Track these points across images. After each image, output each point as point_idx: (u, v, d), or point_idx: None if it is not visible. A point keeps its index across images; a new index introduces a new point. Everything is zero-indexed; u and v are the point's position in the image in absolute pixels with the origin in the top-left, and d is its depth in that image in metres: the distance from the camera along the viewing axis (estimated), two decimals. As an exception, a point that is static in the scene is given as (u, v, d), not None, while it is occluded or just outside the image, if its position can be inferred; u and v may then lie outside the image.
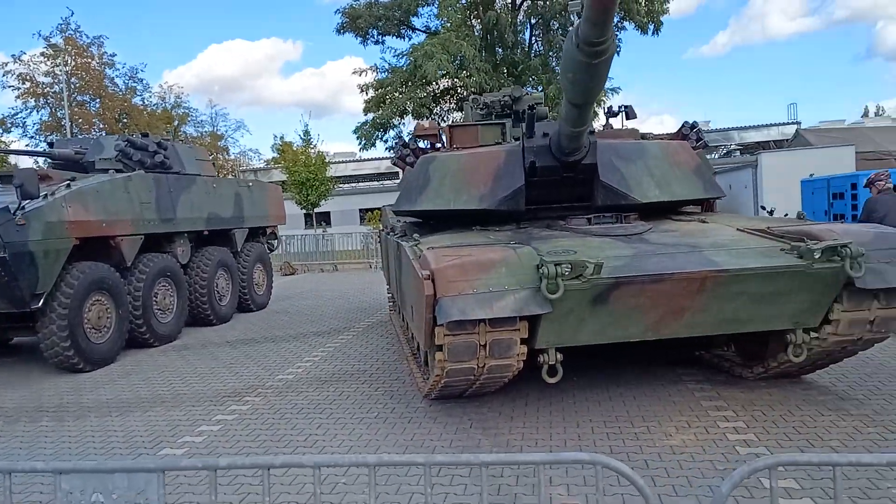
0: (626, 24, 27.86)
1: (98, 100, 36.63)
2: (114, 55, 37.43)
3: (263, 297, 12.56)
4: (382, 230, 10.06)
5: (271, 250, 13.34)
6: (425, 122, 7.63)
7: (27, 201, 6.81)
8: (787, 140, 37.72)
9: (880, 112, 61.43)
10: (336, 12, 31.18)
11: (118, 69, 37.48)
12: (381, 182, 54.33)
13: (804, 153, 20.09)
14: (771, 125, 49.60)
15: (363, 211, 40.98)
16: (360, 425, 5.27)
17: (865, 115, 60.63)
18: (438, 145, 7.52)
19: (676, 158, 6.47)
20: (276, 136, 47.80)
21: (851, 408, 5.09)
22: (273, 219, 13.00)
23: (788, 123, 48.54)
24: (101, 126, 35.47)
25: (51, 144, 10.45)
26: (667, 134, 7.48)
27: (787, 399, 5.35)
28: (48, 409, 6.19)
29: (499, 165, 6.10)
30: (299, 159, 28.26)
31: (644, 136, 7.37)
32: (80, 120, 34.45)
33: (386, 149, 31.62)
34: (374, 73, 29.12)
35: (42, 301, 7.04)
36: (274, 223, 13.15)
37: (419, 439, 4.88)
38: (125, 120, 36.29)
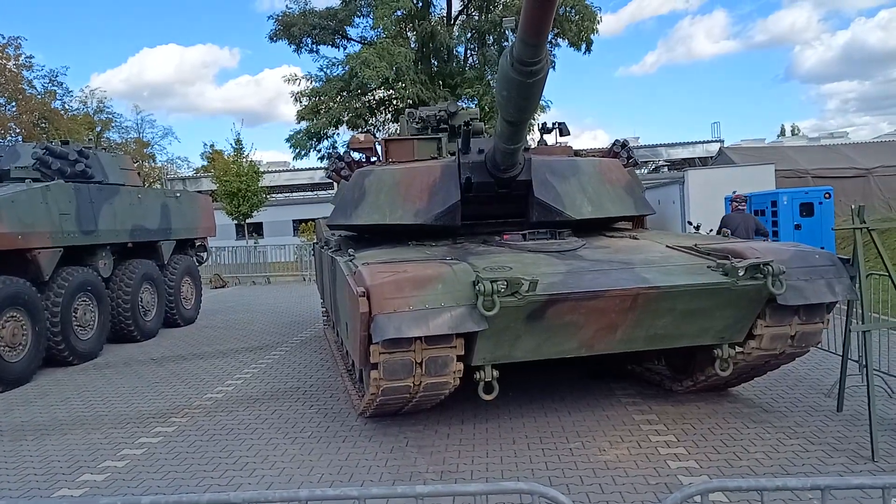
0: (559, 41, 28.52)
1: (14, 103, 34.93)
2: (31, 57, 35.82)
3: (191, 311, 12.16)
4: (316, 243, 9.90)
5: (200, 263, 12.94)
6: (360, 135, 7.53)
7: (-66, 212, 6.39)
8: (711, 157, 39.27)
9: (796, 132, 64.74)
10: (269, 18, 30.82)
11: (36, 72, 35.83)
12: (315, 192, 53.69)
13: (728, 171, 20.92)
14: (696, 143, 51.56)
15: (297, 222, 40.42)
16: (293, 445, 5.13)
17: (782, 133, 63.83)
18: (374, 159, 7.46)
19: (608, 176, 6.61)
20: (205, 144, 46.65)
21: (774, 420, 5.27)
22: (202, 230, 12.62)
23: (712, 141, 50.56)
24: (18, 131, 33.84)
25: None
26: (598, 151, 7.64)
27: (715, 412, 5.50)
28: (-46, 435, 5.80)
29: (434, 181, 6.09)
30: (230, 168, 27.62)
31: (577, 153, 7.51)
32: (-9, 124, 32.76)
33: (318, 158, 31.28)
34: (309, 82, 28.80)
35: (-51, 318, 6.61)
36: (203, 235, 12.77)
37: (354, 459, 4.79)
38: (44, 125, 34.73)
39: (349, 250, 5.60)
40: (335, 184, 7.45)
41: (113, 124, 40.88)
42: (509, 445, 4.94)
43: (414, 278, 4.45)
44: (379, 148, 7.48)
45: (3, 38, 34.17)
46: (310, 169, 53.58)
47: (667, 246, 5.65)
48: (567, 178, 6.28)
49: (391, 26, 24.83)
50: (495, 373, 4.72)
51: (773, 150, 33.77)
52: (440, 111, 7.54)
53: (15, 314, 7.39)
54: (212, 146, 34.62)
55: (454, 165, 6.08)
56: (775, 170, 20.49)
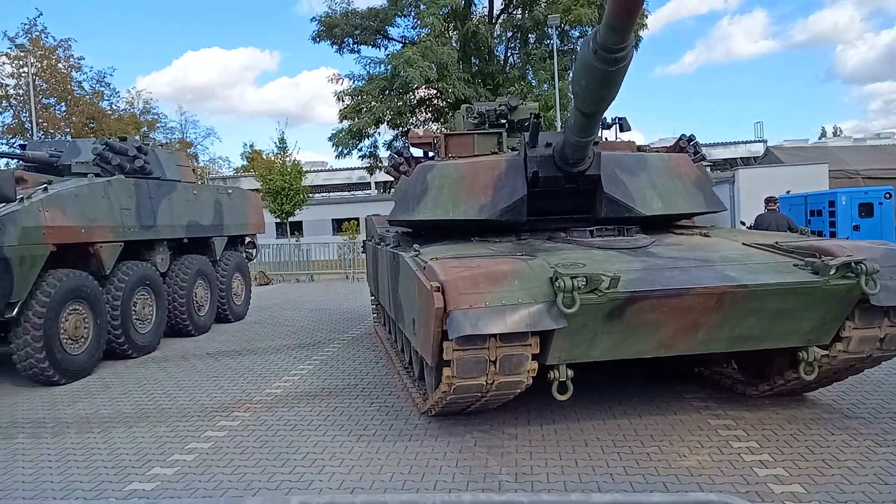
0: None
1: (63, 104, 35.79)
2: (81, 58, 36.64)
3: (241, 307, 12.23)
4: (368, 240, 9.85)
5: (250, 259, 13.01)
6: (419, 130, 7.49)
7: (2, 205, 6.47)
8: (754, 158, 38.40)
9: (838, 132, 62.94)
10: (312, 20, 31.02)
11: (86, 73, 36.65)
12: (351, 192, 54.00)
13: (780, 170, 20.41)
14: (739, 143, 50.51)
15: (336, 221, 40.67)
16: (359, 443, 5.05)
17: (823, 135, 62.10)
18: (431, 154, 7.36)
19: (678, 171, 6.41)
20: (245, 144, 47.22)
21: (860, 426, 5.02)
22: (252, 227, 12.69)
23: (755, 141, 49.49)
24: (68, 130, 34.67)
25: (23, 146, 10.05)
26: (664, 147, 7.43)
27: (794, 418, 5.27)
28: (23, 425, 5.85)
29: (500, 175, 5.96)
30: (274, 167, 27.88)
31: (640, 149, 7.30)
32: (46, 124, 33.58)
33: (360, 157, 31.43)
34: (351, 81, 28.94)
35: (16, 310, 6.69)
36: (253, 231, 12.83)
37: (423, 458, 4.68)
38: (92, 125, 35.52)
39: (414, 246, 5.50)
40: (394, 179, 7.37)
41: (158, 125, 41.70)
42: (581, 448, 4.79)
43: (489, 273, 4.33)
44: (438, 143, 7.37)
45: (55, 39, 35.09)
46: (347, 169, 54.00)
47: (743, 244, 5.44)
48: (636, 173, 6.09)
49: (437, 24, 24.73)
50: (570, 372, 4.57)
51: (821, 151, 32.82)
52: (500, 105, 7.41)
53: (77, 307, 7.47)
54: (251, 146, 35.06)
55: (520, 160, 5.94)
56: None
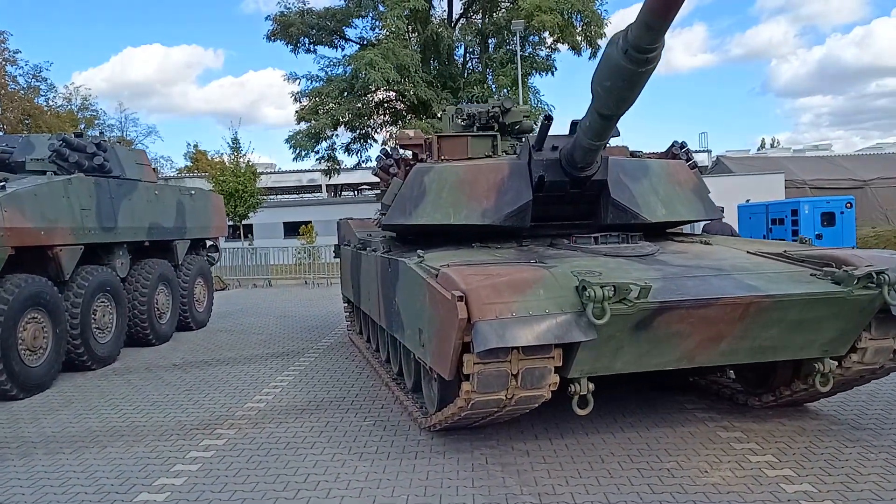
0: (559, 45, 28.29)
1: (-4, 99, 34.09)
2: (17, 52, 34.92)
3: (204, 314, 11.68)
4: (345, 244, 9.49)
5: (212, 264, 12.45)
6: (410, 131, 7.17)
7: (-42, 204, 5.91)
8: (706, 167, 39.30)
9: (776, 144, 65.05)
10: (267, 18, 30.40)
11: (21, 67, 34.96)
12: (300, 195, 53.00)
13: (737, 179, 20.84)
14: (638, 153, 51.46)
15: (287, 224, 39.81)
16: (362, 462, 4.74)
17: (762, 146, 64.13)
18: (422, 156, 7.07)
19: (677, 177, 6.32)
20: (189, 144, 45.84)
21: (870, 438, 4.96)
22: (215, 230, 12.16)
23: (701, 151, 50.73)
24: (1, 127, 32.98)
25: (-29, 142, 9.34)
26: (655, 153, 7.33)
27: (803, 429, 5.19)
28: (-18, 446, 5.32)
29: (503, 179, 5.74)
30: (227, 169, 27.12)
31: (633, 154, 7.18)
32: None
33: (317, 160, 30.83)
34: (308, 82, 28.34)
35: (-29, 319, 6.13)
36: (216, 235, 12.30)
37: (435, 478, 4.40)
38: (27, 121, 33.88)
39: (417, 251, 5.21)
40: (381, 182, 7.05)
41: (96, 122, 40.18)
42: (599, 464, 4.59)
43: (512, 282, 4.10)
44: (429, 145, 7.09)
45: (-10, 32, 33.37)
46: (297, 171, 53.05)
47: (747, 252, 5.35)
48: (639, 178, 5.96)
49: (400, 26, 24.42)
50: (590, 386, 4.37)
51: (769, 161, 33.87)
52: (493, 107, 7.18)
53: (36, 315, 6.90)
54: (196, 146, 33.99)
55: (523, 163, 5.73)
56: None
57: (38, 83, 36.48)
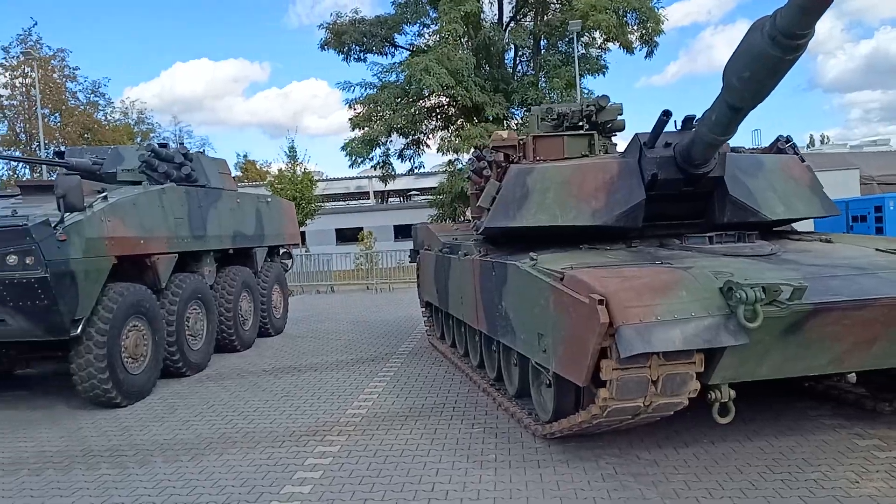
0: (610, 45, 27.88)
1: (58, 114, 35.22)
2: (77, 69, 36.08)
3: (281, 320, 11.76)
4: (426, 249, 9.41)
5: (286, 270, 12.54)
6: (503, 133, 7.06)
7: (68, 214, 6.01)
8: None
9: (825, 140, 62.82)
10: (320, 27, 30.77)
11: (80, 83, 36.08)
12: (346, 202, 53.42)
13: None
14: (740, 149, 50.20)
15: (338, 231, 40.16)
16: (485, 472, 4.61)
17: (811, 143, 61.99)
18: (513, 157, 6.93)
19: (792, 173, 6.05)
20: (239, 155, 46.61)
21: None
22: (289, 237, 12.24)
23: (756, 148, 49.31)
24: (62, 140, 34.06)
25: (59, 154, 9.58)
26: (759, 148, 7.05)
27: (947, 436, 4.88)
28: (101, 454, 5.36)
29: (612, 178, 5.56)
30: (284, 177, 27.48)
31: (734, 150, 6.92)
32: (40, 134, 33.00)
33: (371, 166, 31.02)
34: (363, 89, 28.54)
35: (80, 328, 6.22)
36: (289, 242, 12.38)
37: (568, 490, 4.24)
38: (87, 136, 34.93)
39: (530, 254, 5.07)
40: (473, 185, 6.95)
41: (152, 135, 41.16)
42: (737, 475, 4.36)
43: (653, 284, 3.93)
44: (523, 146, 6.96)
45: (51, 49, 34.56)
46: (344, 178, 53.56)
47: (877, 249, 5.07)
48: (755, 175, 5.72)
49: (458, 29, 24.36)
50: (732, 393, 4.16)
51: (831, 157, 32.72)
52: (587, 106, 7.01)
53: (137, 323, 6.98)
54: (245, 156, 34.46)
55: (633, 161, 5.55)
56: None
57: (97, 98, 37.63)
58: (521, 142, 6.85)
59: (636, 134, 5.61)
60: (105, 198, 6.72)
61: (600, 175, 5.61)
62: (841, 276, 4.26)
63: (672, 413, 4.30)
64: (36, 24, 41.62)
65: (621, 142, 7.68)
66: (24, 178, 31.42)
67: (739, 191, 5.49)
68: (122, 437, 5.78)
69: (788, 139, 6.87)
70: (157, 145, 9.17)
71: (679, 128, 5.57)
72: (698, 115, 5.15)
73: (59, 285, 5.86)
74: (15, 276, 5.71)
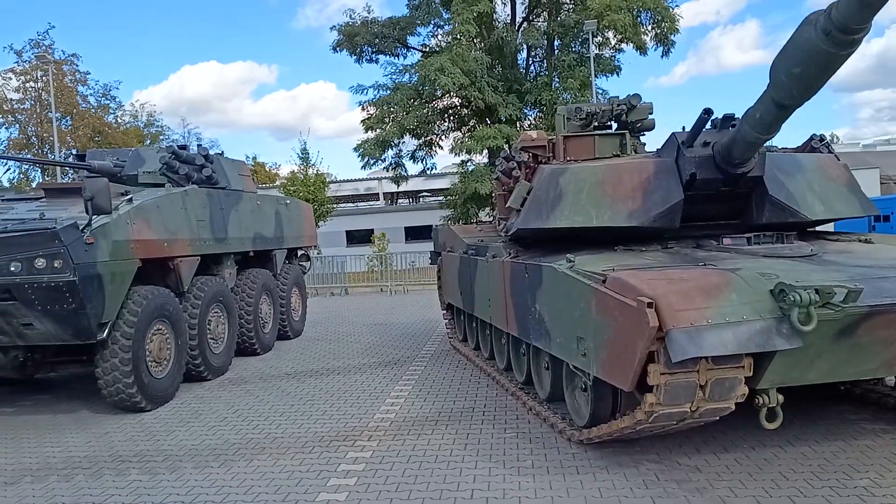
0: (623, 46, 27.71)
1: (69, 117, 35.39)
2: (87, 73, 36.31)
3: (299, 323, 11.69)
4: (448, 251, 9.32)
5: (304, 272, 12.47)
6: (533, 133, 6.95)
7: (95, 217, 5.95)
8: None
9: (835, 140, 62.28)
10: (332, 29, 30.75)
11: (91, 87, 36.28)
12: (355, 204, 53.41)
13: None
14: (773, 149, 49.80)
15: (348, 233, 40.12)
16: (524, 478, 4.51)
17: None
18: (542, 158, 6.82)
19: (829, 172, 5.93)
20: (248, 157, 46.62)
21: None
22: (307, 239, 12.18)
23: (788, 148, 48.86)
24: (73, 144, 34.19)
25: (80, 157, 9.55)
26: (788, 148, 6.92)
27: None
28: (129, 459, 5.29)
29: (648, 178, 5.46)
30: (297, 178, 27.47)
31: (766, 149, 6.80)
32: (52, 137, 33.16)
33: (384, 168, 30.96)
34: (375, 91, 28.47)
35: (106, 332, 6.16)
36: (308, 244, 12.32)
37: (611, 497, 4.13)
38: (98, 139, 35.07)
39: (567, 256, 4.96)
40: (501, 186, 6.85)
41: (161, 137, 41.27)
42: (783, 482, 4.25)
43: (701, 286, 3.82)
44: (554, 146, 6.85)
45: (64, 53, 34.75)
46: (353, 180, 53.54)
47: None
48: (793, 174, 5.61)
49: (471, 30, 24.26)
50: (780, 397, 4.05)
51: (848, 157, 32.44)
52: (618, 105, 6.90)
53: (161, 327, 6.92)
54: (254, 159, 34.47)
55: (670, 161, 5.44)
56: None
57: (108, 101, 37.79)
58: (550, 142, 6.74)
59: (673, 133, 5.50)
60: (130, 200, 6.66)
61: (636, 175, 5.50)
62: (892, 278, 4.14)
63: (714, 419, 4.19)
64: (53, 27, 41.87)
65: (649, 141, 7.59)
66: (35, 182, 31.65)
67: (779, 191, 5.38)
68: (149, 443, 5.71)
69: (822, 137, 6.75)
70: (177, 147, 9.11)
71: (715, 127, 5.47)
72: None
73: (87, 288, 5.80)
74: (43, 280, 5.65)
